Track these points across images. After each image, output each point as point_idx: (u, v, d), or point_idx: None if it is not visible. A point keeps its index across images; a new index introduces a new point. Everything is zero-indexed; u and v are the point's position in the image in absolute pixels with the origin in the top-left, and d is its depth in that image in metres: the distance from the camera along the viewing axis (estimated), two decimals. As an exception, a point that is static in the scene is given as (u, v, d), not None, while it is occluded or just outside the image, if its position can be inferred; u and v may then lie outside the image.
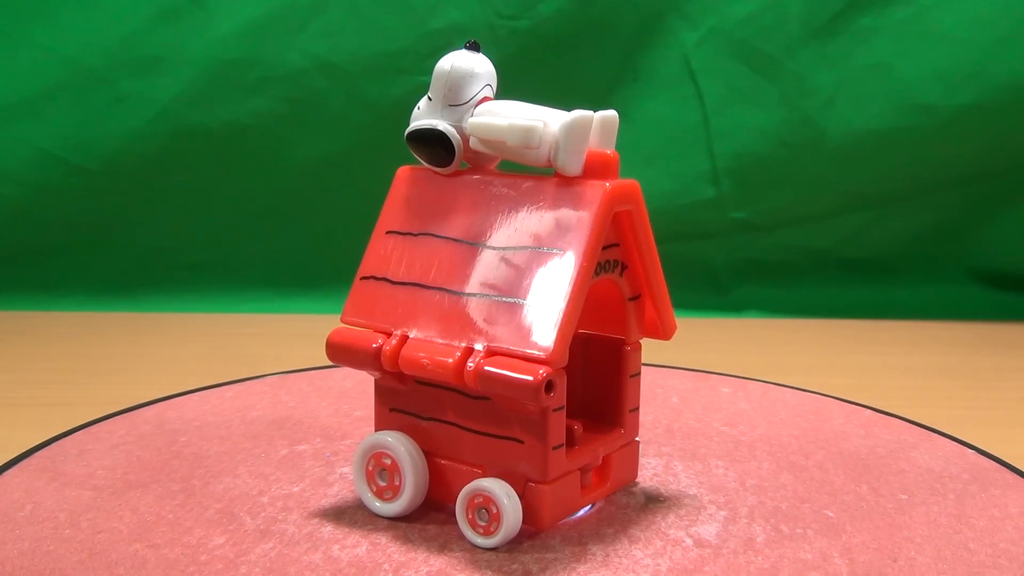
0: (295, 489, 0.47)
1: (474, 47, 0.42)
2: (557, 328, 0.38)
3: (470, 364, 0.39)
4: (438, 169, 0.43)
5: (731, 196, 1.01)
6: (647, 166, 0.99)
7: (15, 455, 0.51)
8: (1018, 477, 0.50)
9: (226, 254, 1.02)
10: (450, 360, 0.39)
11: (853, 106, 0.97)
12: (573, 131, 0.39)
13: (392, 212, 0.44)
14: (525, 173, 0.42)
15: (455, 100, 0.42)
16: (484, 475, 0.41)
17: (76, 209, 0.98)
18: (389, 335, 0.41)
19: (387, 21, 0.96)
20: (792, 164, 1.00)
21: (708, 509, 0.45)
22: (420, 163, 0.44)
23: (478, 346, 0.39)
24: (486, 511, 0.40)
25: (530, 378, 0.37)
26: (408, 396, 0.43)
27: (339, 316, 0.44)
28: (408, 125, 0.43)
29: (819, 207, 1.02)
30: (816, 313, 1.01)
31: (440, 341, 0.40)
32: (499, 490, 0.40)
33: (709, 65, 0.99)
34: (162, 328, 0.90)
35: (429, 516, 0.43)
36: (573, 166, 0.40)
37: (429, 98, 0.42)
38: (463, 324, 0.40)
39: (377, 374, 0.43)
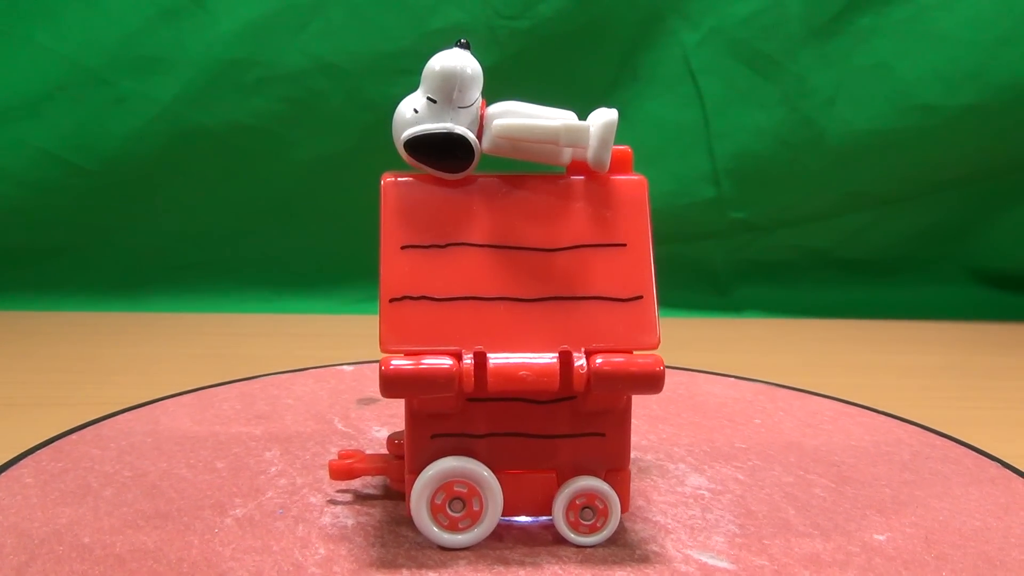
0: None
1: (467, 46, 0.41)
2: (656, 317, 0.40)
3: (580, 367, 0.38)
4: (448, 175, 0.40)
5: (731, 196, 1.01)
6: (647, 166, 0.97)
7: (15, 455, 0.51)
8: (1018, 477, 0.50)
9: (226, 254, 1.02)
10: (552, 368, 0.38)
11: (853, 106, 0.97)
12: (609, 129, 0.40)
13: (399, 225, 0.40)
14: (530, 173, 0.42)
15: (464, 102, 0.40)
16: (562, 477, 0.41)
17: (76, 209, 0.98)
18: (457, 355, 0.38)
19: (387, 21, 0.96)
20: (792, 164, 1.00)
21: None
22: (409, 169, 0.41)
23: (577, 350, 0.39)
24: (591, 509, 0.41)
25: (658, 368, 0.38)
26: (458, 418, 0.40)
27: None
28: (398, 131, 0.40)
29: (819, 207, 1.02)
30: (816, 313, 1.01)
31: (524, 352, 0.39)
32: (601, 486, 0.40)
33: (709, 65, 0.99)
34: (162, 328, 0.90)
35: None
36: (607, 163, 0.41)
37: (431, 100, 0.40)
38: (543, 330, 0.39)
39: (445, 399, 0.39)
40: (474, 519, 0.40)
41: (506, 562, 0.39)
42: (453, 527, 0.40)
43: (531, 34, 0.97)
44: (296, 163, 1.00)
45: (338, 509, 0.44)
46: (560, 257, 0.40)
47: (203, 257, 1.02)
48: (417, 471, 0.40)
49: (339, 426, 0.56)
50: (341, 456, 0.45)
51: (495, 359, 0.38)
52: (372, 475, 0.45)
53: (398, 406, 0.59)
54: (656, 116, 1.00)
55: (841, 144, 0.98)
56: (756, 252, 1.03)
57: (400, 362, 0.38)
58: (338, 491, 0.46)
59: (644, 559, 0.40)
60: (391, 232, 0.40)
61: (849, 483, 0.49)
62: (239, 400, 0.61)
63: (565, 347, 0.39)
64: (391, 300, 0.39)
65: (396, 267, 0.40)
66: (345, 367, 0.71)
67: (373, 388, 0.64)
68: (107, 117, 0.96)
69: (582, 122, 0.40)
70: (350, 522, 0.43)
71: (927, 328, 0.96)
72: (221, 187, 1.00)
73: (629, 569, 0.39)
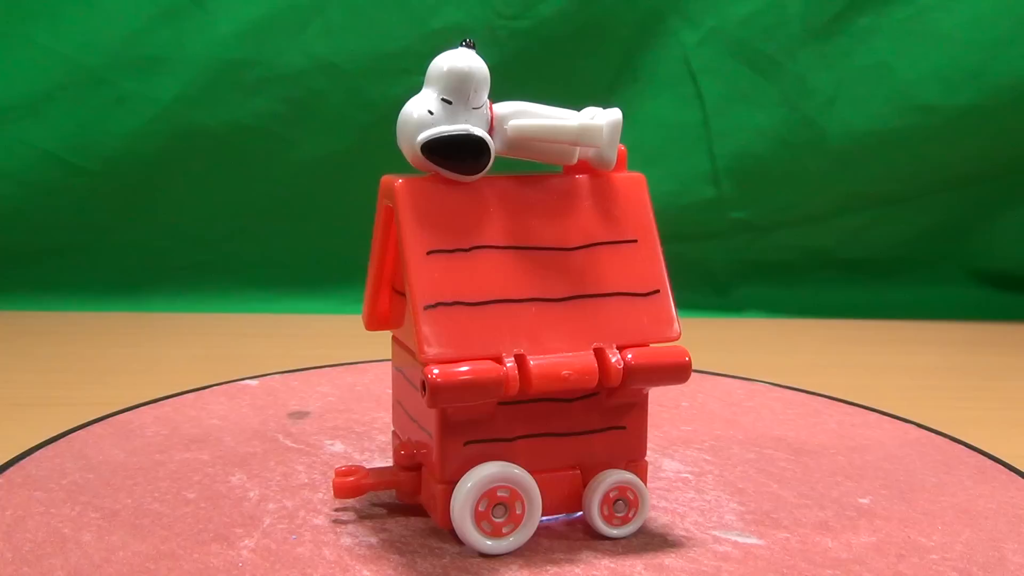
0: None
1: (472, 46, 0.40)
2: (674, 309, 0.42)
3: (617, 362, 0.39)
4: (464, 177, 0.40)
5: (731, 196, 1.01)
6: (647, 166, 0.97)
7: (15, 455, 0.51)
8: (1018, 477, 0.50)
9: (226, 254, 1.02)
10: (592, 365, 0.39)
11: (853, 106, 0.97)
12: (617, 128, 0.41)
13: (421, 230, 0.39)
14: (532, 173, 0.42)
15: (478, 103, 0.39)
16: (587, 473, 0.42)
17: (76, 209, 0.98)
18: (497, 359, 0.38)
19: (387, 21, 0.96)
20: (792, 164, 1.00)
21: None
22: (410, 171, 0.40)
23: (610, 346, 0.40)
24: (623, 501, 0.42)
25: (686, 359, 0.41)
26: (491, 423, 0.40)
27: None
28: (409, 133, 0.39)
29: (819, 207, 1.02)
30: (816, 313, 1.01)
31: (557, 351, 0.39)
32: (632, 478, 0.42)
33: (709, 65, 0.99)
34: (162, 328, 0.90)
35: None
36: (614, 161, 0.42)
37: (446, 101, 0.39)
38: (573, 329, 0.40)
39: (485, 405, 0.39)
40: (516, 523, 0.40)
41: (556, 562, 0.40)
42: (497, 533, 0.40)
43: (531, 34, 0.97)
44: (296, 163, 1.00)
45: (351, 528, 0.42)
46: (577, 256, 0.41)
47: (203, 257, 1.02)
48: (451, 480, 0.40)
49: (287, 443, 0.53)
50: (340, 474, 0.43)
51: (536, 361, 0.39)
52: (381, 490, 0.44)
53: (339, 418, 0.57)
54: (656, 116, 1.00)
55: (841, 144, 0.98)
56: (756, 252, 1.03)
57: (446, 370, 0.37)
58: (336, 510, 0.44)
59: (680, 543, 0.42)
60: (415, 238, 0.39)
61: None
62: (159, 424, 0.56)
63: (597, 344, 0.40)
64: (426, 308, 0.38)
65: (426, 273, 0.39)
66: (249, 381, 0.66)
67: (295, 401, 0.61)
68: (107, 117, 0.96)
69: (597, 122, 0.40)
70: (374, 540, 0.41)
71: (927, 328, 0.96)
72: (221, 187, 1.00)
73: (675, 555, 0.41)
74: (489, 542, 0.40)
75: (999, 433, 0.61)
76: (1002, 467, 0.52)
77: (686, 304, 1.02)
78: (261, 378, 0.67)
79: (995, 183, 1.01)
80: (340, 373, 0.69)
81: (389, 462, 0.48)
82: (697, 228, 1.02)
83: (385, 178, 0.41)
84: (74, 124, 0.96)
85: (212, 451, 0.52)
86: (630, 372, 0.39)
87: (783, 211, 1.02)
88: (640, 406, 0.42)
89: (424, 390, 0.37)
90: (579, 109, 0.41)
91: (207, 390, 0.64)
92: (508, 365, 0.38)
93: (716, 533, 0.43)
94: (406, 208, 0.39)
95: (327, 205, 1.01)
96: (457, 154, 0.39)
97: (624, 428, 0.42)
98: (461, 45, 0.40)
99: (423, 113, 0.39)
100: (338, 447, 0.53)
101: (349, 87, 0.97)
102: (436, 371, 0.37)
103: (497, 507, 0.40)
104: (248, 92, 0.96)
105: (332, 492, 0.44)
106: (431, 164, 0.39)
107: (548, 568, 0.39)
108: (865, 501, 0.46)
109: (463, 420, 0.39)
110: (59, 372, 0.74)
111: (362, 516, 0.44)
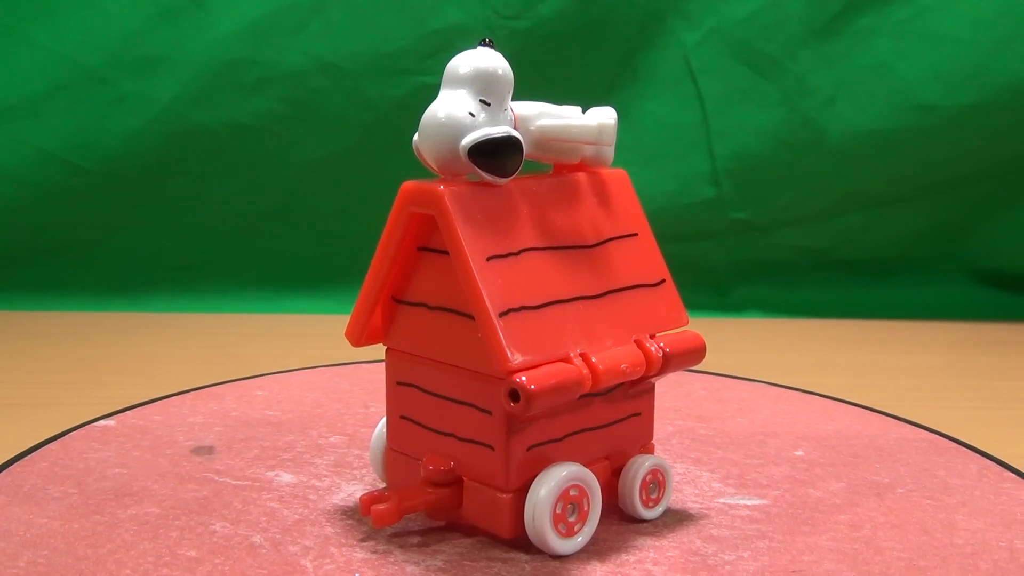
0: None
1: (492, 45, 0.40)
2: (679, 297, 0.45)
3: (656, 351, 0.42)
4: (500, 180, 0.39)
5: (731, 196, 1.01)
6: (647, 166, 0.99)
7: (15, 455, 0.51)
8: (1018, 477, 0.50)
9: (226, 254, 1.02)
10: (641, 356, 0.41)
11: (853, 106, 0.97)
12: (616, 127, 0.42)
13: (476, 237, 0.38)
14: (535, 173, 0.42)
15: (508, 104, 0.39)
16: (614, 462, 0.43)
17: (76, 209, 0.98)
18: (566, 359, 0.39)
19: (387, 21, 0.96)
20: (792, 164, 1.00)
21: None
22: (427, 175, 0.40)
23: (644, 337, 0.42)
24: (656, 484, 0.44)
25: (703, 342, 0.44)
26: (545, 425, 0.40)
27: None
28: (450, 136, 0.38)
29: (819, 207, 1.02)
30: (816, 313, 1.01)
31: (603, 345, 0.40)
32: (660, 460, 0.44)
33: (709, 65, 0.99)
34: (162, 328, 0.90)
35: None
36: (612, 159, 0.44)
37: (485, 103, 0.38)
38: (611, 322, 0.41)
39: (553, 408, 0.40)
40: (584, 520, 0.41)
41: (617, 550, 0.41)
42: (570, 533, 0.40)
43: (531, 34, 0.97)
44: (296, 163, 1.00)
45: (402, 555, 0.40)
46: (597, 252, 0.42)
47: (203, 257, 1.02)
48: (519, 487, 0.40)
49: (229, 481, 0.48)
50: (371, 500, 0.40)
51: (597, 357, 0.39)
52: (422, 511, 0.42)
53: (252, 446, 0.52)
54: (656, 116, 1.00)
55: (841, 144, 0.98)
56: (756, 252, 1.03)
57: (534, 376, 0.37)
58: (362, 541, 0.41)
59: (705, 515, 0.45)
60: (473, 244, 0.38)
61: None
62: (50, 472, 0.49)
63: (634, 335, 0.42)
64: (501, 314, 0.38)
65: (491, 280, 0.38)
66: (106, 422, 0.56)
67: (181, 436, 0.54)
68: (107, 117, 0.96)
69: (609, 120, 0.41)
70: (438, 562, 0.40)
71: (927, 328, 0.96)
72: (221, 187, 1.00)
73: (707, 524, 0.44)
74: (566, 543, 0.40)
75: (999, 433, 0.61)
76: (1002, 467, 0.52)
77: (686, 304, 1.03)
78: (117, 416, 0.58)
79: (995, 183, 1.00)
80: (199, 401, 0.61)
81: (353, 483, 0.47)
82: (697, 228, 1.02)
83: (413, 185, 0.39)
84: (74, 124, 0.96)
85: (157, 504, 0.44)
86: (667, 359, 0.42)
87: (783, 211, 1.02)
88: (650, 392, 0.45)
89: (514, 399, 0.37)
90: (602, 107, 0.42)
91: (65, 437, 0.55)
92: (578, 363, 0.39)
93: (726, 501, 0.46)
94: (459, 215, 0.38)
95: (327, 205, 1.01)
96: (501, 156, 0.38)
97: (640, 414, 0.44)
98: (479, 45, 0.39)
99: (465, 115, 0.38)
100: (287, 477, 0.48)
101: (349, 87, 0.97)
102: (523, 378, 0.37)
103: (570, 507, 0.40)
104: (248, 92, 0.96)
105: (349, 524, 0.42)
106: (474, 167, 0.38)
107: (623, 558, 0.40)
108: (800, 453, 0.46)
109: (525, 426, 0.39)
110: (59, 372, 0.74)
111: (401, 542, 0.41)
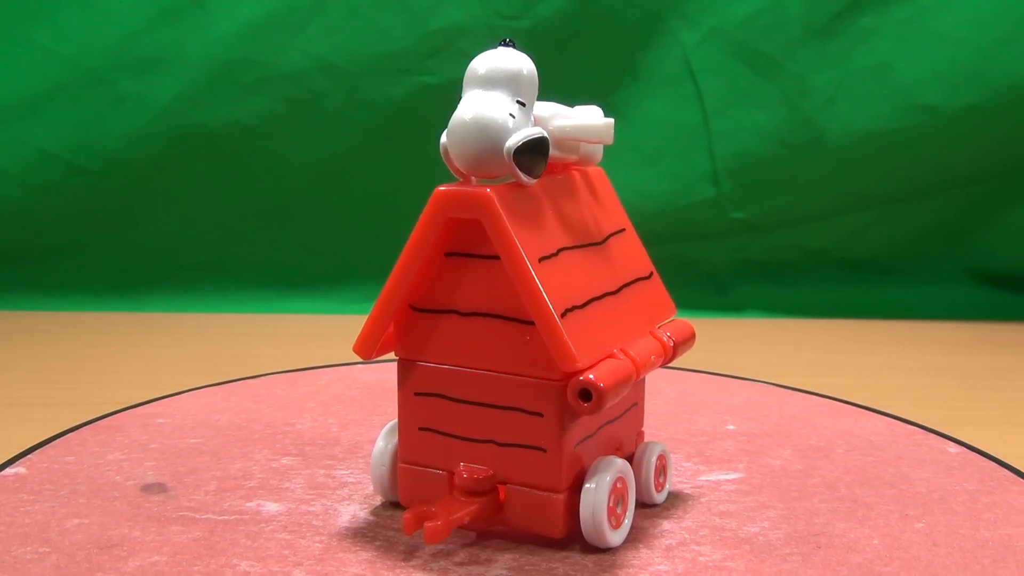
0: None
1: (513, 44, 0.40)
2: (664, 287, 0.46)
3: (668, 340, 0.43)
4: (532, 180, 0.39)
5: (731, 196, 1.01)
6: (647, 166, 0.99)
7: (15, 455, 0.51)
8: (1018, 477, 0.50)
9: (226, 254, 1.02)
10: (660, 347, 0.42)
11: (853, 106, 0.97)
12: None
13: (526, 239, 0.38)
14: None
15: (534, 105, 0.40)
16: (624, 452, 0.45)
17: (76, 209, 0.98)
18: (611, 355, 0.39)
19: (387, 21, 0.96)
20: (792, 164, 1.00)
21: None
22: (449, 178, 0.39)
23: (654, 328, 0.44)
24: (662, 468, 0.46)
25: (694, 328, 0.46)
26: (586, 421, 0.41)
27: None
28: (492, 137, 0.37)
29: (819, 207, 1.02)
30: (816, 313, 1.01)
31: (625, 338, 0.41)
32: (662, 446, 0.46)
33: (709, 65, 0.99)
34: (162, 328, 0.90)
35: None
36: (600, 157, 0.45)
37: (521, 103, 0.38)
38: (629, 315, 0.43)
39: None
40: (625, 511, 0.42)
41: (652, 536, 0.43)
42: (619, 524, 0.41)
43: (531, 34, 0.97)
44: (296, 163, 1.00)
45: (462, 570, 0.39)
46: (606, 248, 0.43)
47: (203, 257, 1.02)
48: (572, 486, 0.40)
49: (214, 517, 0.43)
50: (419, 517, 0.39)
51: (634, 351, 0.40)
52: (471, 520, 0.40)
53: (210, 479, 0.48)
54: (656, 116, 1.00)
55: (841, 144, 0.98)
56: (756, 252, 1.03)
57: (601, 374, 0.37)
58: (408, 561, 0.40)
59: (698, 494, 0.47)
60: (528, 247, 0.38)
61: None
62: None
63: (649, 327, 0.43)
64: (562, 316, 0.38)
65: (547, 281, 0.38)
66: (18, 469, 0.49)
67: (118, 477, 0.48)
68: (107, 117, 0.96)
69: (609, 119, 0.41)
70: (501, 571, 0.39)
71: (927, 328, 0.96)
72: (221, 187, 1.00)
73: (710, 502, 0.46)
74: (616, 535, 0.41)
75: (999, 433, 0.61)
76: (1002, 467, 0.52)
77: (686, 304, 1.02)
78: (24, 461, 0.50)
79: (995, 183, 1.00)
80: (107, 435, 0.54)
81: (346, 504, 0.45)
82: (697, 228, 1.02)
83: (449, 190, 0.38)
84: (74, 124, 0.96)
85: (155, 552, 0.40)
86: (676, 348, 0.43)
87: (783, 211, 1.02)
88: (643, 382, 0.46)
89: (585, 399, 0.37)
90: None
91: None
92: (622, 359, 0.39)
93: (707, 478, 0.49)
94: (510, 217, 0.38)
95: (327, 205, 1.01)
96: (536, 157, 0.38)
97: (637, 404, 0.46)
98: (501, 45, 0.39)
99: (507, 117, 0.37)
100: (273, 507, 0.45)
101: (349, 87, 0.97)
102: (592, 376, 0.37)
103: (618, 499, 0.41)
104: (248, 92, 0.96)
105: (381, 547, 0.41)
106: (515, 168, 0.38)
107: (665, 543, 0.42)
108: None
109: (572, 425, 0.40)
110: (59, 372, 0.74)
111: (448, 559, 0.40)
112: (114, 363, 0.77)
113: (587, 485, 0.40)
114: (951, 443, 0.55)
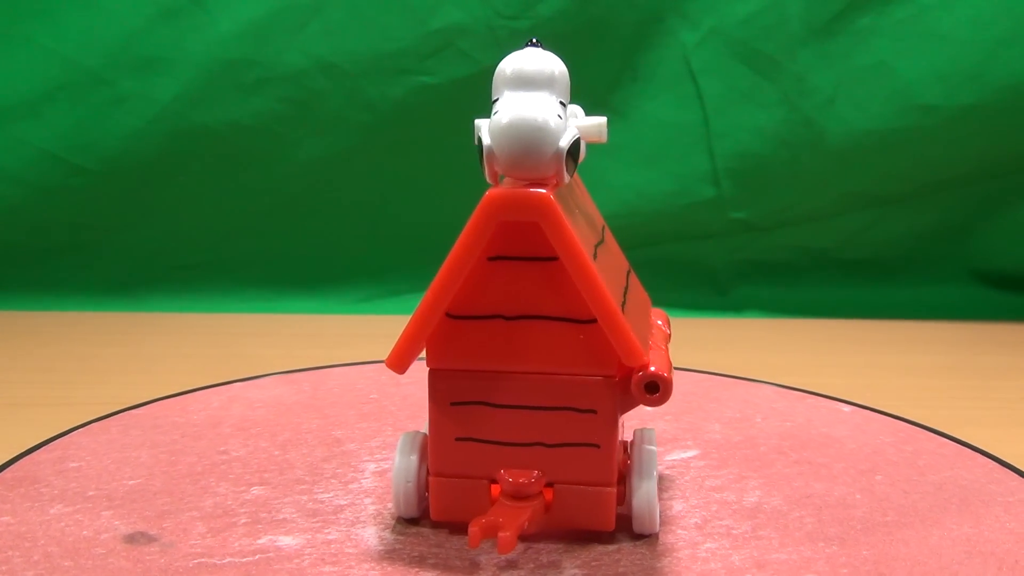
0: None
1: (539, 44, 0.39)
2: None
3: (667, 331, 0.46)
4: (568, 180, 0.39)
5: (731, 196, 1.01)
6: (647, 166, 0.99)
7: (15, 455, 0.51)
8: (1019, 477, 0.50)
9: (226, 254, 1.02)
10: (665, 337, 0.44)
11: (853, 106, 0.97)
12: None
13: (581, 239, 0.38)
14: None
15: None
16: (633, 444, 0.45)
17: (76, 209, 0.98)
18: (652, 347, 0.41)
19: (387, 21, 0.96)
20: (792, 164, 0.99)
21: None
22: (484, 184, 0.38)
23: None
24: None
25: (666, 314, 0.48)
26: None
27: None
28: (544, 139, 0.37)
29: (819, 207, 1.02)
30: (816, 313, 1.01)
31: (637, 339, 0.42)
32: (650, 428, 0.46)
33: (709, 65, 0.99)
34: (162, 328, 0.90)
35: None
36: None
37: (563, 104, 0.38)
38: (641, 308, 0.44)
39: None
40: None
41: (673, 520, 0.44)
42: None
43: (531, 34, 0.97)
44: (296, 163, 1.00)
45: (545, 574, 0.39)
46: (607, 244, 0.44)
47: (203, 257, 1.02)
48: (624, 481, 0.42)
49: (237, 560, 0.39)
50: (491, 529, 0.38)
51: (654, 341, 0.42)
52: (532, 523, 0.40)
53: (192, 519, 0.43)
54: (656, 116, 1.00)
55: (841, 144, 0.98)
56: (756, 252, 1.03)
57: (662, 369, 0.38)
58: (458, 572, 0.39)
59: (677, 474, 0.50)
60: (584, 247, 0.38)
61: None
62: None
63: (649, 318, 0.44)
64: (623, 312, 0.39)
65: (606, 282, 0.38)
66: None
67: (89, 523, 0.42)
68: (107, 117, 0.96)
69: (601, 117, 0.41)
70: (578, 572, 0.39)
71: (927, 328, 0.96)
72: (221, 187, 1.00)
73: (694, 478, 0.49)
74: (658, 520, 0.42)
75: (999, 433, 0.61)
76: (1002, 467, 0.52)
77: (686, 304, 1.03)
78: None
79: (995, 183, 1.00)
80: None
81: (365, 527, 0.43)
82: (697, 228, 1.02)
83: (503, 193, 0.37)
84: (74, 124, 0.96)
85: None
86: (670, 336, 0.46)
87: (783, 211, 1.02)
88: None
89: (651, 391, 0.38)
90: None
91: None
92: (660, 350, 0.41)
93: (671, 458, 0.52)
94: (567, 219, 0.37)
95: (327, 205, 1.01)
96: (574, 157, 0.38)
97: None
98: (527, 45, 0.38)
99: (557, 118, 0.37)
100: (288, 540, 0.42)
101: (349, 87, 0.97)
102: (653, 368, 0.38)
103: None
104: (248, 92, 0.96)
105: (434, 566, 0.39)
106: (563, 169, 0.37)
107: (691, 522, 0.44)
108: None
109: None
110: (59, 372, 0.74)
111: (517, 571, 0.39)
112: (114, 363, 0.77)
113: (642, 476, 0.42)
114: (951, 443, 0.55)
